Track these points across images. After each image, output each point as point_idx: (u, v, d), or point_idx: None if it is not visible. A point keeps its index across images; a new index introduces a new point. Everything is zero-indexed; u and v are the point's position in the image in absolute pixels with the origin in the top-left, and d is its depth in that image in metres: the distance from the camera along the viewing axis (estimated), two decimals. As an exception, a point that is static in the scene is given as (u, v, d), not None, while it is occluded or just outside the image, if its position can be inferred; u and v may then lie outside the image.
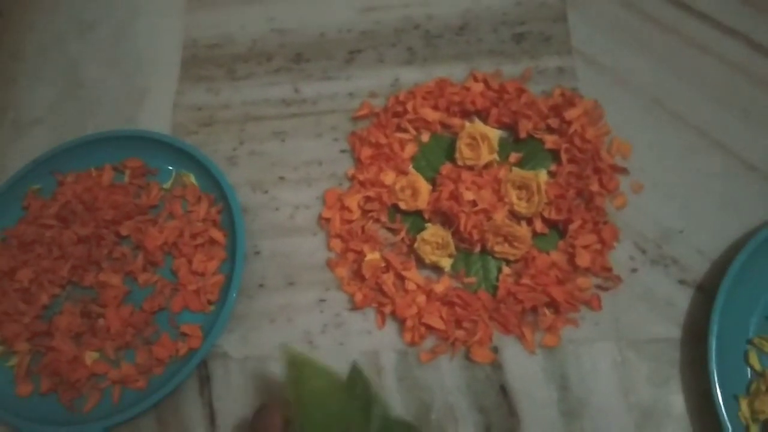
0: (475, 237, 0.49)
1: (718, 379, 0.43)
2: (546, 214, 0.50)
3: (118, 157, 0.57)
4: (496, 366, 0.48)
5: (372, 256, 0.50)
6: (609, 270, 0.49)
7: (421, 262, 0.51)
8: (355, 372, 0.40)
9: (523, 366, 0.47)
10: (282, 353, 0.41)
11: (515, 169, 0.51)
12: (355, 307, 0.50)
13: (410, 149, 0.54)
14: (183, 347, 0.50)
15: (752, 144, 0.52)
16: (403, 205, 0.52)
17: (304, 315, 0.51)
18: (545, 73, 0.57)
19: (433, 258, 0.50)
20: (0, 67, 0.65)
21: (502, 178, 0.51)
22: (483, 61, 0.58)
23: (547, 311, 0.48)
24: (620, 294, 0.49)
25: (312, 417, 0.38)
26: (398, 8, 0.61)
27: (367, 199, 0.52)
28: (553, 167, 0.52)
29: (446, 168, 0.52)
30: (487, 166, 0.52)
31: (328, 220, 0.53)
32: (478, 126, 0.52)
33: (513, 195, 0.50)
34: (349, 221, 0.52)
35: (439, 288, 0.49)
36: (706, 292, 0.48)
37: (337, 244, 0.52)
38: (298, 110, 0.58)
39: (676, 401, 0.45)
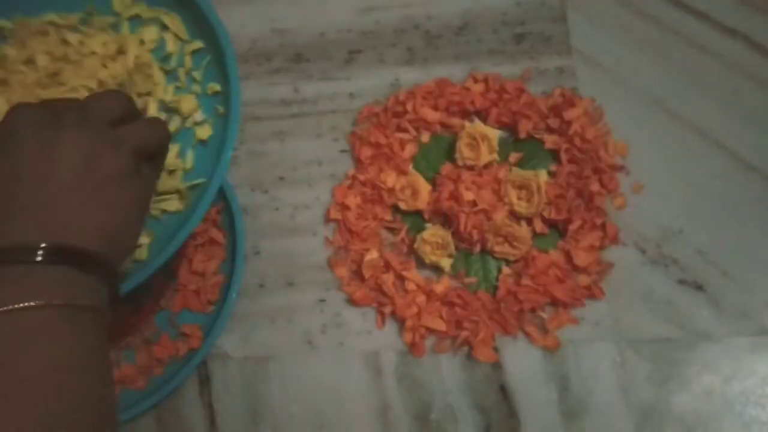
0: (475, 237, 0.49)
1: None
2: (546, 214, 0.50)
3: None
4: (496, 366, 0.48)
5: (372, 256, 0.50)
6: (607, 269, 0.49)
7: (421, 262, 0.51)
8: None
9: (523, 366, 0.47)
10: None
11: (515, 169, 0.51)
12: (354, 303, 0.50)
13: (410, 149, 0.54)
14: (183, 347, 0.50)
15: (752, 144, 0.52)
16: (403, 205, 0.52)
17: (304, 315, 0.51)
18: (545, 73, 0.57)
19: (433, 258, 0.50)
20: (0, 67, 0.65)
21: (502, 178, 0.51)
22: (483, 61, 0.58)
23: (544, 313, 0.48)
24: (620, 294, 0.49)
25: None
26: (398, 8, 0.61)
27: (367, 199, 0.53)
28: (553, 167, 0.52)
29: (446, 168, 0.52)
30: (487, 166, 0.52)
31: (335, 218, 0.53)
32: (478, 126, 0.52)
33: (513, 195, 0.50)
34: (349, 221, 0.52)
35: (439, 288, 0.49)
36: (706, 292, 0.48)
37: (337, 242, 0.52)
38: (298, 110, 0.58)
39: (676, 401, 0.45)
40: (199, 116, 0.44)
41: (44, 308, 0.27)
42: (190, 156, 0.44)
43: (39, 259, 0.27)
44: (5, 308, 0.26)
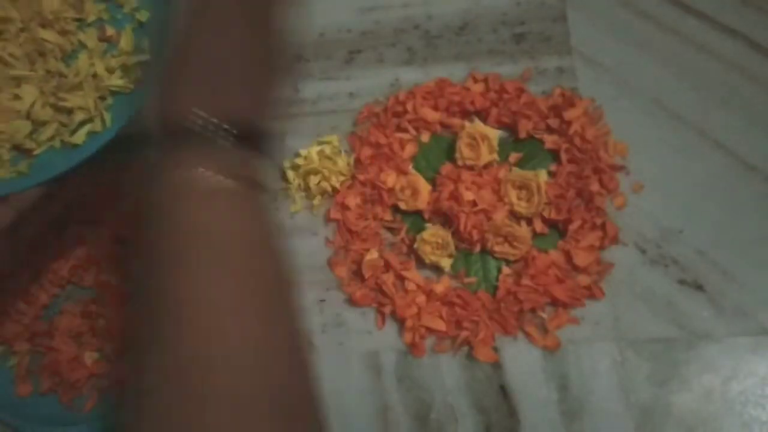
0: (475, 237, 0.49)
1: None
2: (546, 214, 0.50)
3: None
4: (496, 366, 0.48)
5: (372, 256, 0.50)
6: (607, 269, 0.49)
7: (421, 262, 0.51)
8: None
9: (523, 366, 0.47)
10: None
11: (515, 169, 0.51)
12: (354, 303, 0.50)
13: (410, 149, 0.54)
14: (183, 347, 0.50)
15: (752, 144, 0.52)
16: (403, 205, 0.52)
17: (304, 315, 0.51)
18: (545, 73, 0.57)
19: (433, 258, 0.50)
20: (0, 67, 0.65)
21: (502, 178, 0.51)
22: (483, 61, 0.58)
23: (544, 313, 0.48)
24: (620, 294, 0.49)
25: None
26: (398, 8, 0.61)
27: (367, 199, 0.53)
28: (553, 167, 0.52)
29: (446, 168, 0.52)
30: (487, 166, 0.52)
31: (335, 218, 0.53)
32: (478, 126, 0.52)
33: (513, 195, 0.50)
34: (349, 221, 0.52)
35: (439, 288, 0.49)
36: (706, 292, 0.48)
37: (337, 242, 0.52)
38: (298, 110, 0.58)
39: (676, 401, 0.45)
40: (134, 2, 0.47)
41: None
42: (129, 36, 0.46)
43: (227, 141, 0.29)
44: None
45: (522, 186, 0.50)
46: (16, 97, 0.43)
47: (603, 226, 0.50)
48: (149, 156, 0.30)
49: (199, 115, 0.29)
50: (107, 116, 0.44)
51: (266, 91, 0.32)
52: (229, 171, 0.29)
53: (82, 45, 0.46)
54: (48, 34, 0.45)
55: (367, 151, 0.54)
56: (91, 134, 0.43)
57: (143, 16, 0.47)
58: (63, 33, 0.45)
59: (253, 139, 0.30)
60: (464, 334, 0.48)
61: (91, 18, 0.47)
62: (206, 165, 0.29)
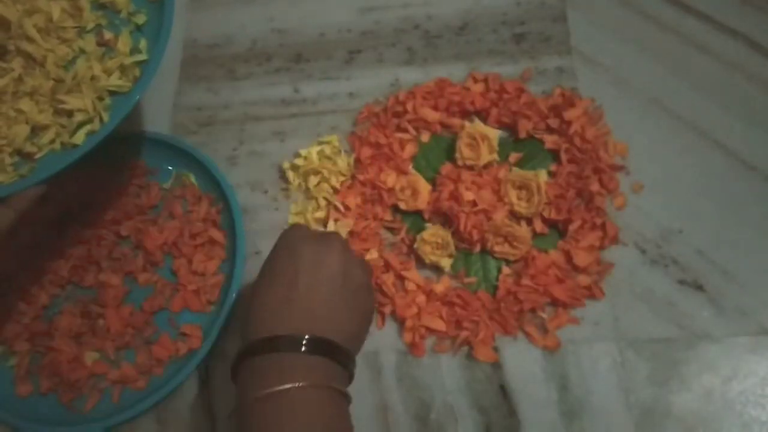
0: (475, 237, 0.49)
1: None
2: (546, 214, 0.50)
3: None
4: (496, 366, 0.48)
5: (372, 256, 0.50)
6: (607, 269, 0.49)
7: (421, 262, 0.51)
8: None
9: (523, 366, 0.47)
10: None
11: (515, 169, 0.51)
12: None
13: (410, 149, 0.54)
14: (183, 347, 0.50)
15: (752, 144, 0.52)
16: (403, 205, 0.52)
17: None
18: (545, 73, 0.57)
19: (433, 258, 0.50)
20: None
21: (502, 178, 0.51)
22: (483, 61, 0.58)
23: (544, 313, 0.48)
24: (620, 294, 0.49)
25: None
26: (398, 8, 0.61)
27: (367, 199, 0.53)
28: (553, 167, 0.52)
29: (446, 168, 0.52)
30: (487, 166, 0.52)
31: (336, 218, 0.53)
32: (478, 126, 0.52)
33: (513, 195, 0.50)
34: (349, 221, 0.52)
35: (439, 288, 0.49)
36: (706, 292, 0.48)
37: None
38: (298, 110, 0.58)
39: (676, 401, 0.45)
40: (131, 8, 0.48)
41: (306, 388, 0.34)
42: (126, 39, 0.47)
43: (303, 349, 0.36)
44: (275, 389, 0.34)
45: (522, 186, 0.50)
46: (18, 110, 0.44)
47: (603, 226, 0.50)
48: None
49: (305, 335, 0.36)
50: (105, 115, 0.44)
51: (359, 336, 0.41)
52: (317, 381, 0.35)
53: (82, 51, 0.46)
54: (48, 44, 0.46)
55: (367, 151, 0.54)
56: (91, 134, 0.44)
57: (140, 19, 0.48)
58: (63, 41, 0.46)
59: (342, 358, 0.37)
60: (464, 334, 0.48)
61: (90, 25, 0.47)
62: (303, 377, 0.35)
